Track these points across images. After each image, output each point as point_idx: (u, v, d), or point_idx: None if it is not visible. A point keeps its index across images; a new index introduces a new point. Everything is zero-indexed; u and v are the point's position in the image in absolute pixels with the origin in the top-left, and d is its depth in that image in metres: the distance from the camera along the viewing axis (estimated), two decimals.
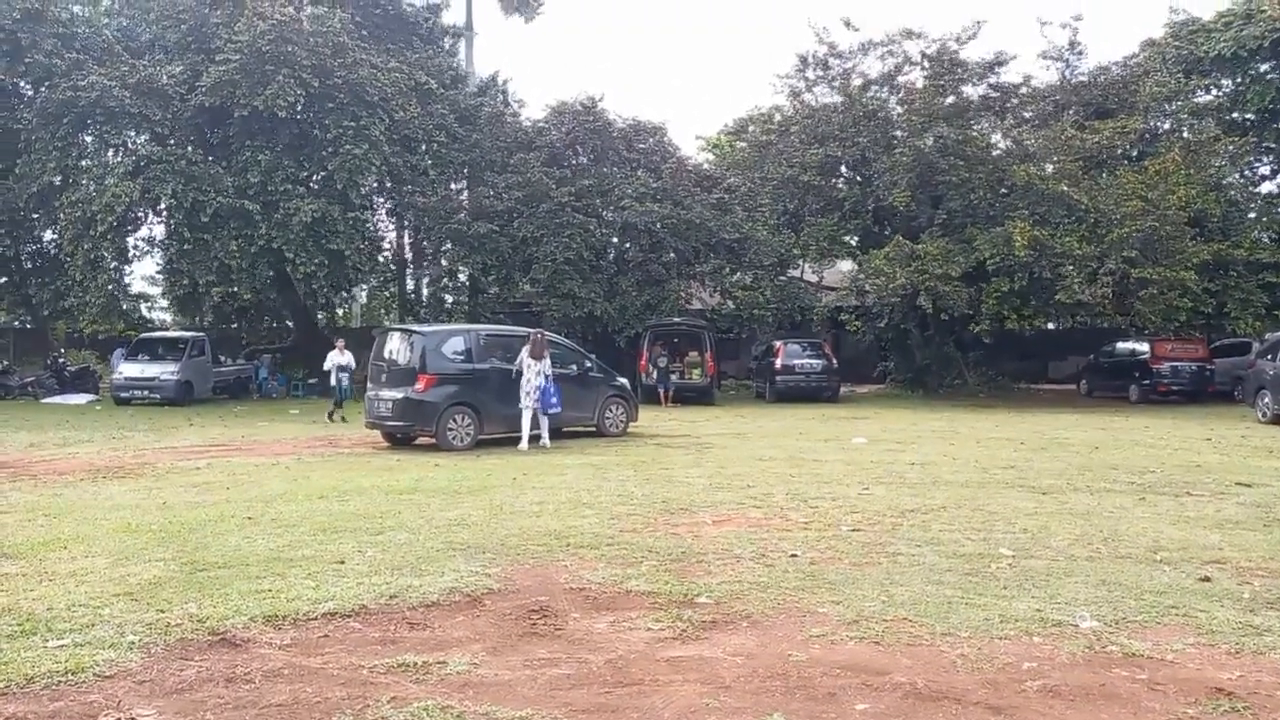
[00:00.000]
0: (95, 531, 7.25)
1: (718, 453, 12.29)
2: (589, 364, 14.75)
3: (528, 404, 12.93)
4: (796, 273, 28.39)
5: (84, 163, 24.18)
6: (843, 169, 26.50)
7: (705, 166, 29.20)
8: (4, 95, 24.66)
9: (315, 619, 5.02)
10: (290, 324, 28.18)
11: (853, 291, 23.98)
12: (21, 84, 24.99)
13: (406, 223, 29.13)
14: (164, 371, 22.36)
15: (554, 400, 12.93)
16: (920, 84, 24.60)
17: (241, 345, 28.14)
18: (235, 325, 25.82)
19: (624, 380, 15.48)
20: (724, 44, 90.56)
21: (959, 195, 23.08)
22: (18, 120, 24.52)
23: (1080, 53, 24.92)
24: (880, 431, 15.09)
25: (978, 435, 14.47)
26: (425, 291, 35.16)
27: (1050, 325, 22.63)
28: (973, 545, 6.53)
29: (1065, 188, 20.91)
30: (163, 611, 5.10)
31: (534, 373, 12.94)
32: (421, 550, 6.51)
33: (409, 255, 32.92)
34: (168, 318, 30.86)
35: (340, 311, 34.48)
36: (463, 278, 25.75)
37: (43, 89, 23.47)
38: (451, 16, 33.23)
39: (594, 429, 14.54)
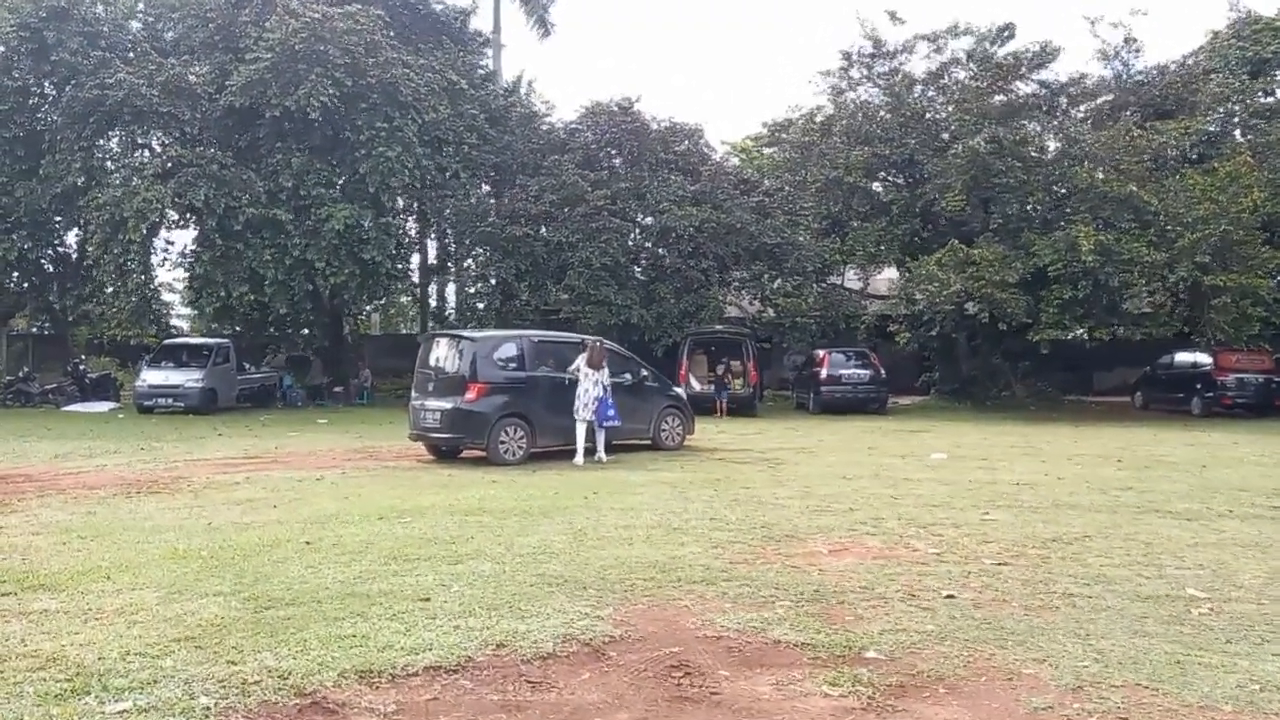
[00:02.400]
0: (139, 558, 6.46)
1: (793, 469, 11.42)
2: (645, 373, 13.91)
3: (584, 416, 12.11)
4: (838, 280, 27.56)
5: (110, 164, 23.57)
6: (889, 171, 25.63)
7: (744, 169, 28.36)
8: (28, 95, 24.10)
9: (416, 675, 4.20)
10: (315, 333, 27.45)
11: (902, 299, 23.08)
12: (46, 84, 24.43)
13: (436, 227, 28.46)
14: (188, 379, 21.66)
15: (611, 413, 12.09)
16: (968, 82, 23.73)
17: (267, 353, 27.45)
18: (270, 333, 25.07)
19: (680, 390, 14.64)
20: (743, 51, 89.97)
21: (1015, 198, 22.18)
22: (42, 121, 24.00)
23: (1137, 50, 24.02)
24: (953, 447, 14.18)
25: (1062, 452, 13.55)
26: (451, 298, 34.57)
27: (1108, 335, 21.57)
28: (1151, 585, 5.65)
29: (1134, 189, 19.96)
30: (234, 663, 4.29)
31: (591, 382, 12.12)
32: (513, 585, 5.68)
33: (434, 261, 32.30)
34: (184, 325, 30.21)
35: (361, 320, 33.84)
36: (494, 283, 24.97)
37: (68, 88, 22.89)
38: (478, 21, 32.66)
39: (649, 442, 13.69)
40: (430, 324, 32.22)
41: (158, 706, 3.77)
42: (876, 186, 27.06)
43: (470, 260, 27.75)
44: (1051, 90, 25.35)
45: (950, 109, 23.97)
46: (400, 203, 25.91)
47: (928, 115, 24.06)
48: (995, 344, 24.90)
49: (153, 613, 5.12)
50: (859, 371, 23.28)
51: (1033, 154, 22.23)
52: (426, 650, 4.46)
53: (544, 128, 28.26)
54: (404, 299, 35.95)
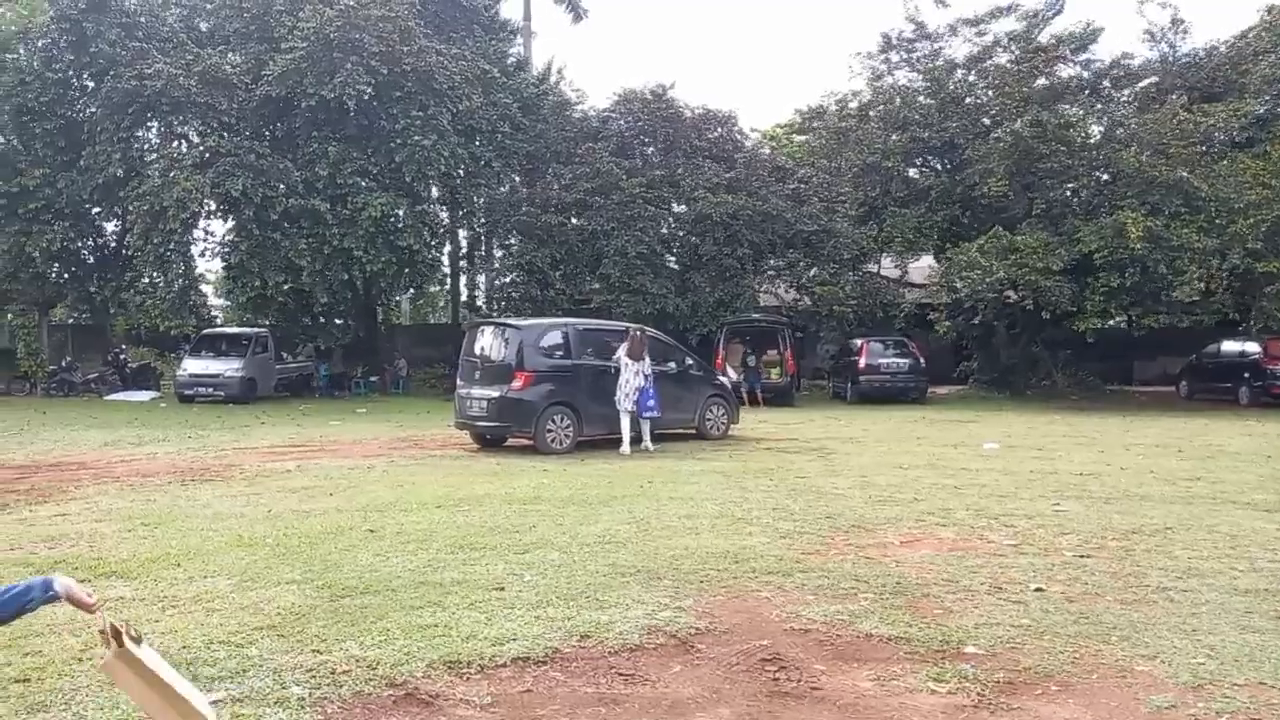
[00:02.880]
0: (205, 545, 6.45)
1: (845, 459, 11.25)
2: (689, 361, 13.77)
3: (626, 406, 11.99)
4: (874, 267, 27.21)
5: (149, 155, 23.70)
6: (928, 156, 25.24)
7: (778, 156, 28.04)
8: (68, 87, 24.29)
9: (504, 666, 4.12)
10: (349, 322, 27.54)
11: (941, 286, 22.72)
12: (85, 76, 24.59)
13: (468, 216, 28.42)
14: (228, 368, 21.82)
15: (650, 403, 11.94)
16: (1009, 65, 23.26)
17: (298, 343, 27.58)
18: (305, 323, 25.16)
19: (725, 379, 14.49)
20: (767, 39, 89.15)
21: (1059, 184, 21.74)
22: (82, 112, 24.18)
23: (1185, 31, 23.42)
24: (1004, 437, 13.93)
25: (1117, 442, 13.26)
26: (481, 287, 34.56)
27: (1156, 324, 21.08)
28: (1246, 578, 5.45)
29: (1184, 173, 19.48)
30: (319, 653, 4.23)
31: (632, 372, 12.00)
32: (585, 575, 5.59)
33: (465, 249, 32.29)
34: (218, 315, 30.41)
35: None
36: (529, 272, 24.88)
37: (106, 79, 23.01)
38: (507, 8, 32.57)
39: (694, 431, 13.56)
40: (462, 313, 32.28)
41: (251, 696, 3.72)
42: (913, 172, 26.67)
43: (503, 249, 27.72)
44: (1095, 73, 24.83)
45: (991, 93, 23.51)
46: (435, 192, 25.88)
47: (968, 99, 23.63)
48: (1035, 332, 24.48)
49: (229, 600, 5.09)
50: (898, 360, 23.00)
51: (1076, 138, 21.73)
52: (511, 641, 4.38)
53: (576, 116, 28.11)
54: (433, 288, 36.01)
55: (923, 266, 27.70)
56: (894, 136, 24.23)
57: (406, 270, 23.89)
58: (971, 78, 24.89)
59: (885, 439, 13.80)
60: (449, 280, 32.80)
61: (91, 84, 24.13)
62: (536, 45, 41.31)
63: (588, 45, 75.81)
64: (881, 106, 25.33)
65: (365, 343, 27.55)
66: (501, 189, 26.56)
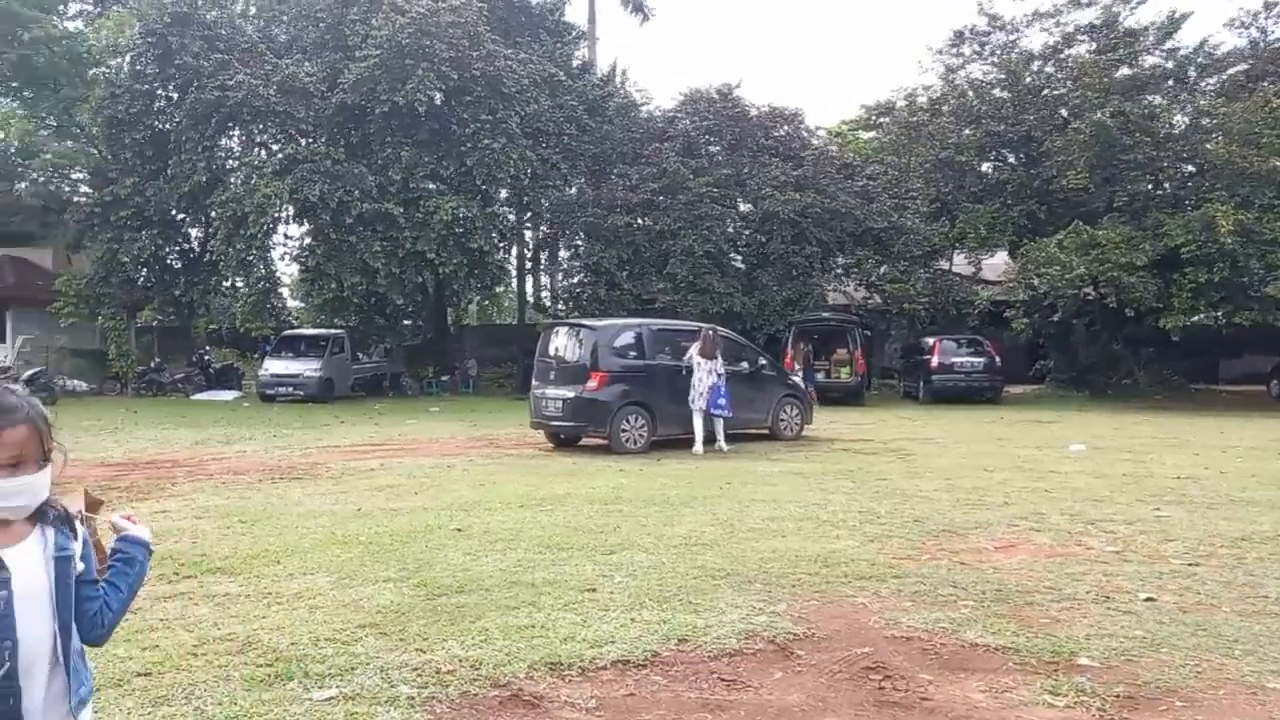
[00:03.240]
0: (301, 542, 6.61)
1: (925, 460, 11.03)
2: (762, 361, 13.68)
3: (700, 405, 11.96)
4: (945, 264, 26.66)
5: (231, 162, 24.49)
6: (1003, 150, 24.61)
7: (846, 153, 27.67)
8: (154, 99, 25.25)
9: (605, 669, 4.12)
10: (421, 323, 28.09)
11: (1018, 283, 22.13)
12: (170, 87, 25.53)
13: (535, 218, 28.72)
14: (307, 368, 22.43)
15: (721, 402, 11.89)
16: (1089, 55, 22.52)
17: (375, 343, 28.21)
18: (380, 324, 25.75)
19: (798, 379, 14.35)
20: (826, 37, 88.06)
21: (1143, 176, 20.98)
22: (168, 123, 25.11)
23: (1278, 16, 22.36)
24: (1090, 438, 13.50)
25: (1212, 443, 12.74)
26: (545, 288, 34.89)
27: (1247, 321, 20.18)
28: None
29: (1278, 163, 18.61)
30: (423, 651, 4.29)
31: (705, 371, 11.97)
32: (675, 577, 5.57)
33: (531, 251, 32.63)
34: (296, 318, 31.26)
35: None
36: (597, 273, 25.02)
37: (190, 90, 23.87)
38: (572, 11, 32.76)
39: (766, 431, 13.46)
40: (528, 314, 32.63)
41: (361, 694, 3.78)
42: (987, 167, 26.07)
43: (569, 250, 27.94)
44: (1179, 61, 23.90)
45: (1070, 84, 22.81)
46: (504, 194, 26.23)
47: (1046, 91, 22.95)
48: (1116, 330, 23.70)
49: (330, 598, 5.20)
50: (972, 359, 22.50)
51: (1160, 129, 20.94)
52: (609, 643, 4.38)
53: (642, 117, 28.19)
54: (499, 289, 36.49)
55: (996, 263, 27.05)
56: (967, 131, 23.68)
57: (477, 272, 24.24)
58: (1049, 69, 24.19)
59: (964, 440, 13.49)
60: (515, 281, 33.21)
61: (176, 95, 25.05)
62: (600, 48, 41.53)
63: (651, 46, 75.95)
64: (954, 100, 24.78)
65: (435, 343, 28.07)
66: (568, 191, 26.78)
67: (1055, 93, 23.49)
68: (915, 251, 24.22)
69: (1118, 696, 3.72)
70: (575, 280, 26.72)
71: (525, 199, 26.34)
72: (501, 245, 24.83)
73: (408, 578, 5.59)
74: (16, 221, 28.22)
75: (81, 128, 26.68)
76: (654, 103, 29.40)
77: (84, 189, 27.90)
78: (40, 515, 1.85)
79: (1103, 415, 18.38)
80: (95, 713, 2.20)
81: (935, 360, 22.31)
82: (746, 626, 4.64)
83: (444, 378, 26.79)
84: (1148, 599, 5.03)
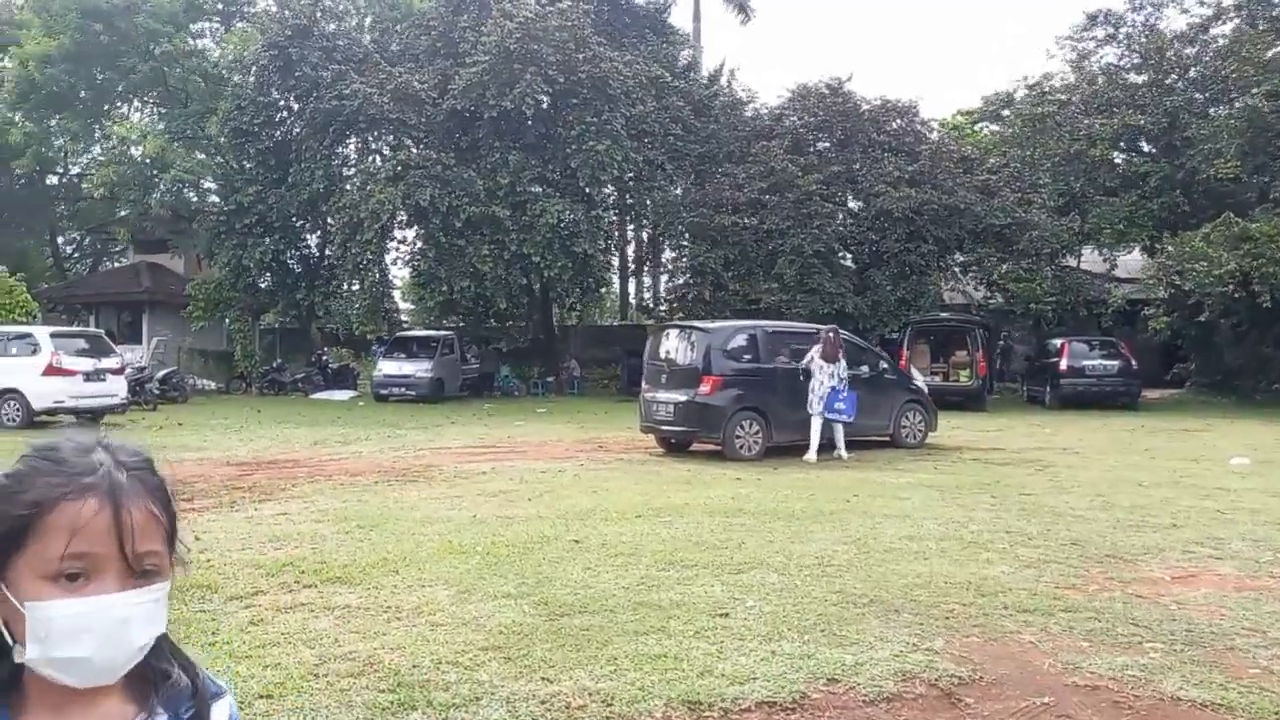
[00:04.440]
0: (419, 551, 6.46)
1: (1069, 473, 10.20)
2: (884, 364, 13.01)
3: (819, 410, 11.42)
4: (1073, 261, 25.14)
5: (347, 170, 25.19)
6: (1141, 140, 23.00)
7: (964, 146, 26.42)
8: (276, 109, 26.22)
9: (749, 711, 3.73)
10: (528, 325, 28.30)
11: (1159, 280, 20.58)
12: (291, 98, 26.48)
13: (641, 219, 28.54)
14: (419, 369, 22.85)
15: (841, 406, 11.32)
16: (1246, 30, 20.74)
17: (483, 345, 28.59)
18: (489, 326, 26.10)
19: (922, 383, 13.62)
20: (933, 27, 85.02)
21: None
22: (289, 132, 26.03)
23: None
24: (1249, 449, 12.29)
25: None
26: (647, 290, 34.68)
27: None
28: None
29: None
30: (549, 681, 3.99)
31: (826, 374, 11.42)
32: (813, 603, 5.13)
33: (634, 252, 32.50)
34: (406, 320, 31.98)
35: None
36: (704, 274, 24.60)
37: (310, 100, 24.66)
38: (677, 11, 32.53)
39: (887, 439, 12.79)
40: (631, 315, 32.50)
41: None
42: (1120, 158, 24.44)
43: (675, 251, 27.62)
44: None
45: (1217, 65, 21.08)
46: (609, 196, 26.15)
47: (1191, 72, 21.29)
48: (1266, 330, 21.80)
49: (449, 614, 4.98)
50: (1105, 362, 21.07)
51: None
52: (751, 680, 3.99)
53: (748, 115, 27.64)
54: (601, 290, 36.51)
55: (1130, 259, 25.34)
56: (1099, 120, 22.19)
57: (581, 275, 24.22)
58: (1191, 50, 22.45)
59: (1107, 450, 12.50)
60: (617, 282, 33.16)
61: (297, 106, 25.95)
62: (705, 47, 41.18)
63: (756, 44, 74.97)
64: (1085, 88, 23.29)
65: (540, 345, 28.23)
66: (674, 191, 26.48)
67: (1202, 74, 21.75)
68: (1042, 248, 22.86)
69: None
70: (680, 281, 26.38)
71: (629, 200, 26.17)
72: (605, 247, 24.68)
73: (527, 594, 5.33)
74: (151, 230, 29.85)
75: (210, 139, 27.96)
76: (760, 100, 28.80)
77: (212, 198, 29.25)
78: (153, 676, 1.03)
79: (1257, 424, 16.85)
80: None
81: (1064, 363, 20.99)
82: (902, 666, 4.17)
83: (549, 379, 26.90)
84: None
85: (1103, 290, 23.40)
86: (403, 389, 22.53)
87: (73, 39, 26.84)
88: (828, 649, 4.39)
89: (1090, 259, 25.29)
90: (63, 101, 28.67)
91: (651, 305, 30.13)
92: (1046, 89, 25.24)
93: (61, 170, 34.00)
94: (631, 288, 36.71)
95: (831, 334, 11.88)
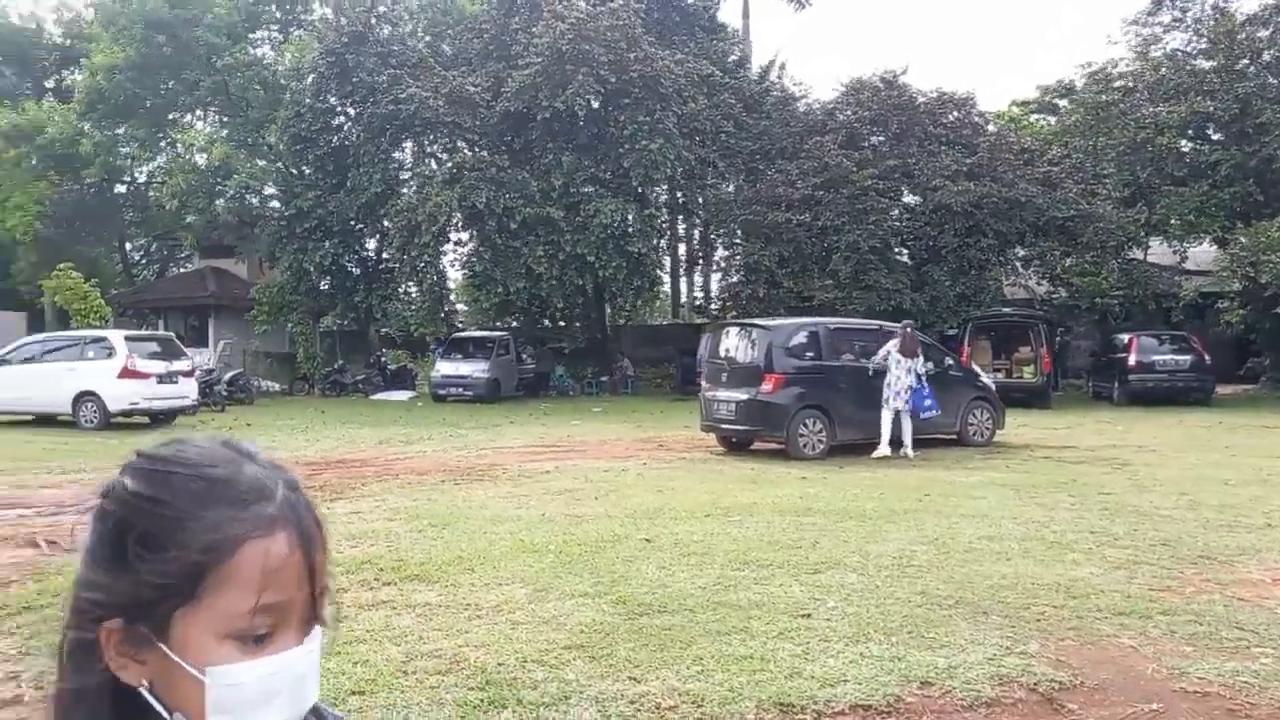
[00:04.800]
0: (492, 549, 6.49)
1: (1148, 471, 9.89)
2: (949, 361, 12.77)
3: (895, 404, 11.25)
4: (1139, 254, 24.41)
5: (403, 173, 25.52)
6: (1211, 127, 22.23)
7: (1024, 138, 25.80)
8: (334, 115, 26.69)
9: (842, 713, 3.66)
10: (582, 325, 28.39)
11: (1234, 273, 19.86)
12: (348, 104, 26.94)
13: (694, 218, 28.44)
14: (476, 369, 23.06)
15: (928, 402, 11.15)
16: None
17: (538, 345, 28.75)
18: (543, 326, 26.28)
19: (989, 380, 13.33)
20: (985, 16, 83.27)
21: None
22: (347, 138, 26.48)
23: None
24: None
25: None
26: (699, 289, 34.58)
27: None
28: None
29: None
30: (636, 681, 3.97)
31: (904, 370, 11.25)
32: (896, 604, 5.03)
33: (684, 251, 32.41)
34: (462, 321, 32.31)
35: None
36: (759, 271, 24.41)
37: (367, 106, 25.05)
38: (728, 6, 32.31)
39: (953, 437, 12.54)
40: (682, 315, 32.41)
41: None
42: (1186, 146, 23.65)
43: (727, 249, 27.47)
44: None
45: None
46: (661, 195, 26.11)
47: (1264, 56, 20.51)
48: None
49: (528, 612, 4.99)
50: (1176, 357, 20.39)
51: None
52: (841, 682, 3.92)
53: (800, 110, 27.36)
54: (653, 288, 36.48)
55: (1201, 251, 24.51)
56: (1166, 108, 21.49)
57: (636, 274, 24.21)
58: (1264, 33, 21.64)
59: (1185, 448, 12.09)
60: (668, 281, 33.10)
61: (354, 111, 26.39)
62: (756, 40, 40.92)
63: (807, 31, 74.28)
64: (1150, 74, 22.59)
65: (593, 344, 28.30)
66: (726, 189, 26.34)
67: (1273, 59, 20.95)
68: (1107, 241, 22.23)
69: None
70: (733, 279, 26.22)
71: (681, 198, 26.10)
72: (658, 246, 24.64)
73: (604, 593, 5.32)
74: (216, 236, 30.65)
75: (270, 146, 28.59)
76: (812, 95, 28.46)
77: (274, 204, 29.90)
78: None
79: None
80: None
81: (1132, 359, 20.35)
82: (997, 669, 4.06)
83: (603, 378, 26.96)
84: None
85: (1172, 283, 22.67)
86: (460, 389, 22.76)
87: (138, 50, 27.66)
88: (917, 651, 4.29)
89: (1158, 251, 24.52)
90: (129, 111, 29.58)
91: (703, 304, 30.03)
92: (1110, 75, 24.54)
93: (129, 179, 35.06)
94: (683, 286, 36.64)
95: (907, 329, 11.68)
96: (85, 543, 0.80)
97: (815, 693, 3.80)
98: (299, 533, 0.81)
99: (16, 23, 34.23)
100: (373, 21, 26.63)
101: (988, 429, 12.62)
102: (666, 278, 32.48)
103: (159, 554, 0.76)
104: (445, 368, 23.30)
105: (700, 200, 25.95)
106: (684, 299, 36.25)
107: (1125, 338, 21.03)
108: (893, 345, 11.29)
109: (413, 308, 24.52)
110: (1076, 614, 4.83)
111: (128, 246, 39.91)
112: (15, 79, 32.59)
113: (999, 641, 4.41)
